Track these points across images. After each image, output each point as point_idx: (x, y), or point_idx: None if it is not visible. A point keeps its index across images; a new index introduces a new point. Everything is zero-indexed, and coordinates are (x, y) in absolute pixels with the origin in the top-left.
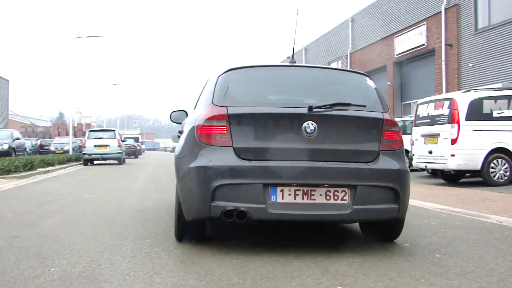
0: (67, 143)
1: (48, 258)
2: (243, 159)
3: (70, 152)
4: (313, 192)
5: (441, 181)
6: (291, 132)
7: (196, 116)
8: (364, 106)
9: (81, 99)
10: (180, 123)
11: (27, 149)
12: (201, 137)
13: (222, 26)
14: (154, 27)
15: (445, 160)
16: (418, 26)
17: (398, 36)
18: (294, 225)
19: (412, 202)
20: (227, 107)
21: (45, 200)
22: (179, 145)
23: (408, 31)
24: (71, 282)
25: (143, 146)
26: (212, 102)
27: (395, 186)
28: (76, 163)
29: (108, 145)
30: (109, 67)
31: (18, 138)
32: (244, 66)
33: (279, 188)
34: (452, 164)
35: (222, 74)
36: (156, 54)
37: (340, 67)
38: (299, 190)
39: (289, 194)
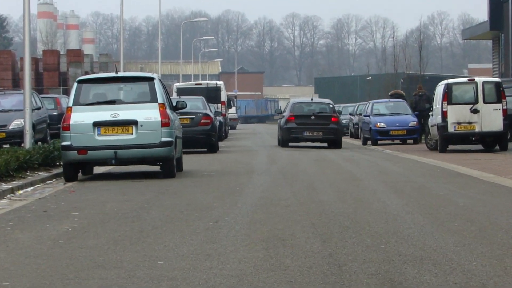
0: (17, 111)
1: None
2: (297, 125)
3: (27, 142)
4: (314, 132)
5: None
6: (308, 118)
7: (286, 114)
8: (328, 111)
9: None
10: (280, 113)
11: None
12: (288, 120)
13: None
14: None
15: None
16: None
17: None
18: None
19: None
20: (293, 112)
21: None
22: (282, 121)
23: None
24: None
25: (231, 113)
26: (290, 111)
27: (334, 131)
28: (46, 173)
29: (134, 123)
30: None
31: None
32: (299, 101)
33: (306, 131)
34: None
35: (293, 103)
36: None
37: None
38: (311, 131)
39: (309, 132)
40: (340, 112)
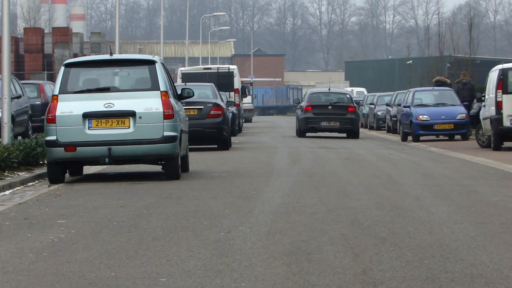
0: None
1: None
2: (314, 115)
3: (5, 137)
4: (331, 122)
5: None
6: (325, 108)
7: (303, 104)
8: (345, 101)
9: None
10: (299, 103)
11: None
12: (305, 110)
13: None
14: None
15: None
16: None
17: None
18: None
19: None
20: (311, 102)
21: None
22: (300, 113)
23: None
24: None
25: (246, 103)
26: (307, 101)
27: (351, 121)
28: (27, 174)
29: (131, 114)
30: None
31: None
32: (316, 91)
33: (323, 121)
34: None
35: (310, 93)
36: None
37: None
38: (328, 121)
39: (326, 122)
40: (358, 102)
